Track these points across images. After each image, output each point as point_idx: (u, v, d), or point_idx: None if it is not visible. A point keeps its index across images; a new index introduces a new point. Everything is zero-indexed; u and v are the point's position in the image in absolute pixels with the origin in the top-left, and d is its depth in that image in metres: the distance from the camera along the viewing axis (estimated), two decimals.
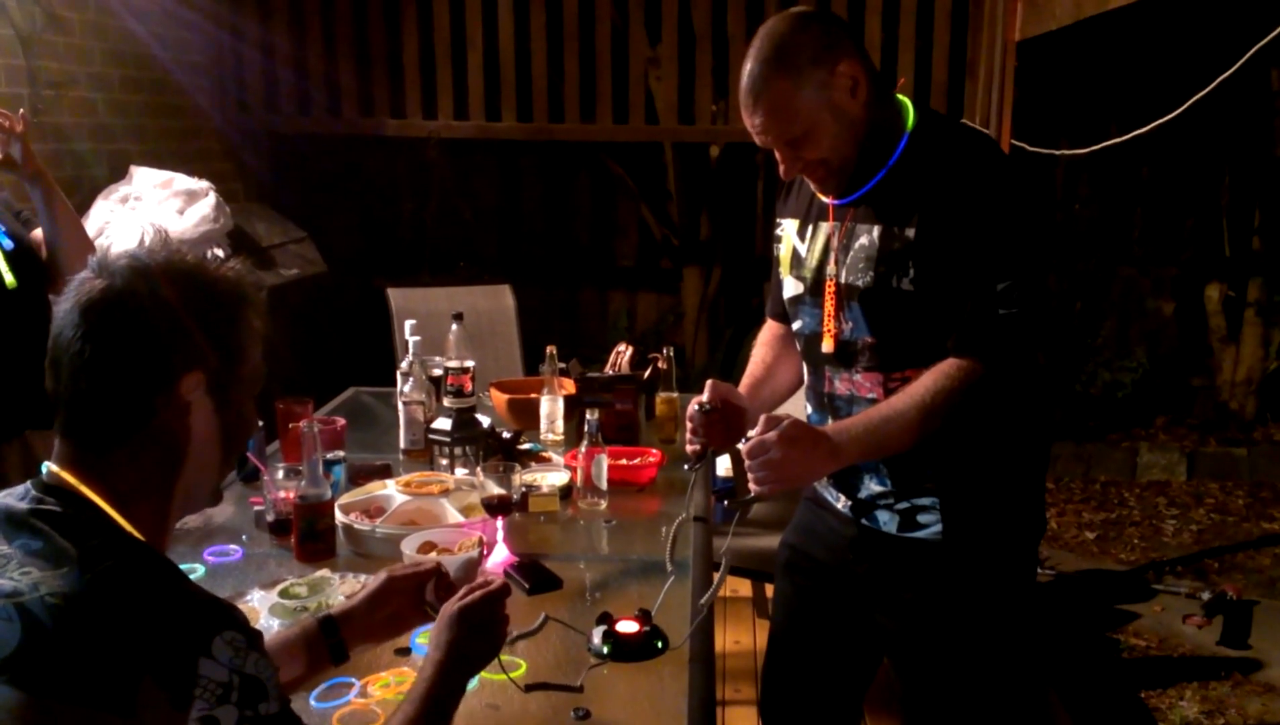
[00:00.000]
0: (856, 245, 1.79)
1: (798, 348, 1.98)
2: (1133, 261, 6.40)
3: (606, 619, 1.67)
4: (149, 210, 3.83)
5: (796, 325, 1.94)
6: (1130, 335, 6.39)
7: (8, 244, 2.41)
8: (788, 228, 1.96)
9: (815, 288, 1.87)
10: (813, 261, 1.88)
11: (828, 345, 1.85)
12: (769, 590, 3.53)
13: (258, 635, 1.08)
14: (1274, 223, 6.10)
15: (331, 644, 1.41)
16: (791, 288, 1.93)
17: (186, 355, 1.13)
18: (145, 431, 1.12)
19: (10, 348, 2.33)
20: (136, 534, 1.10)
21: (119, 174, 4.04)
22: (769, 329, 2.12)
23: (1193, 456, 5.83)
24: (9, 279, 2.38)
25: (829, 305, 1.84)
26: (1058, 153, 4.85)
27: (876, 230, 1.76)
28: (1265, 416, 6.18)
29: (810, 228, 1.89)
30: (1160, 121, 3.83)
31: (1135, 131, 3.97)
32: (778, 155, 1.79)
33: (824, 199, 1.85)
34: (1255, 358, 6.20)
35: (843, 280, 1.81)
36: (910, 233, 1.72)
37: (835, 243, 1.83)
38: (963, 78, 5.13)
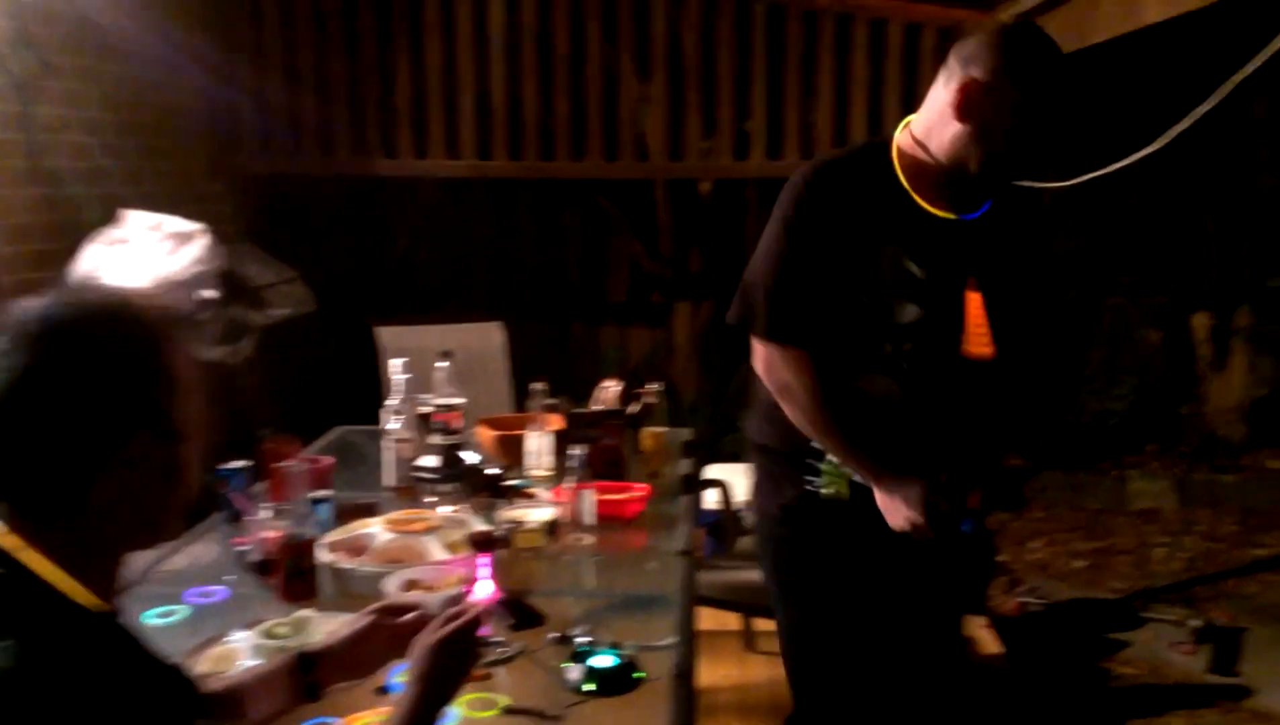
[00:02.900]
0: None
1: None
2: (1121, 291, 6.45)
3: (584, 653, 1.70)
4: (139, 252, 3.86)
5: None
6: (1119, 364, 6.42)
7: None
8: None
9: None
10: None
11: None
12: (757, 624, 3.56)
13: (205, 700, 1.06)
14: (1261, 251, 6.16)
15: (307, 682, 1.42)
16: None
17: (119, 416, 1.06)
18: (88, 495, 1.06)
19: None
20: (84, 599, 1.05)
21: (113, 217, 4.06)
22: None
23: (1183, 484, 5.85)
24: None
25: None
26: (1040, 186, 4.89)
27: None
28: (1254, 443, 6.21)
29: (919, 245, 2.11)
30: (1141, 154, 3.87)
31: (1115, 165, 4.01)
32: None
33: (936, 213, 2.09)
34: (1244, 385, 6.24)
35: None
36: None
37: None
38: None
